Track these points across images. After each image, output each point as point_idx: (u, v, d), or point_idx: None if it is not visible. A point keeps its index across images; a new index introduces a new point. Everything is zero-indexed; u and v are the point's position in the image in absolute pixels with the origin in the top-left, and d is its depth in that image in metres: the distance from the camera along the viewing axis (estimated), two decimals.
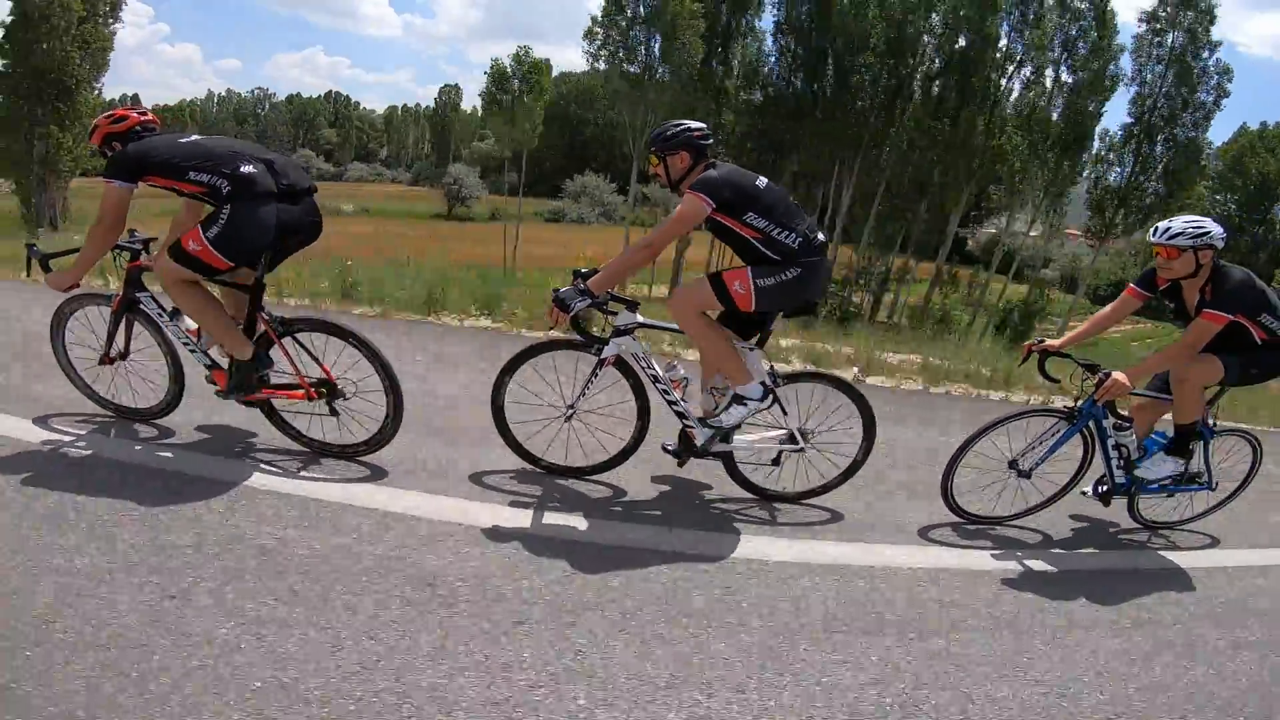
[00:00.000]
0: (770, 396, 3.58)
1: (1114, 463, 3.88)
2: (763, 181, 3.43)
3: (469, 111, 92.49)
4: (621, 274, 3.45)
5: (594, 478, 3.71)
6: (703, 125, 3.48)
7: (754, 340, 3.60)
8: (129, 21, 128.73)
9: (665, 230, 3.40)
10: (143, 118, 3.32)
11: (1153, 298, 3.85)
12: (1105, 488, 3.91)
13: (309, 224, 3.36)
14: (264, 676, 2.13)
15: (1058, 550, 3.75)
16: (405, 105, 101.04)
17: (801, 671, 2.50)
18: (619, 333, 3.51)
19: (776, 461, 3.75)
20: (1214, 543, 4.12)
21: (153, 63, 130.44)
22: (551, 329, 3.42)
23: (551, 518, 3.32)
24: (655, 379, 3.57)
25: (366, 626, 2.39)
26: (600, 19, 32.80)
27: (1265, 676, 2.89)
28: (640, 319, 3.53)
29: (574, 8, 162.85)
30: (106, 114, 3.28)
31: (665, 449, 3.64)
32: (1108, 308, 3.99)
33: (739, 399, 3.54)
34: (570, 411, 3.59)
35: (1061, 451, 3.81)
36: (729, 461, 3.75)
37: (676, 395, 3.58)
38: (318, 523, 2.96)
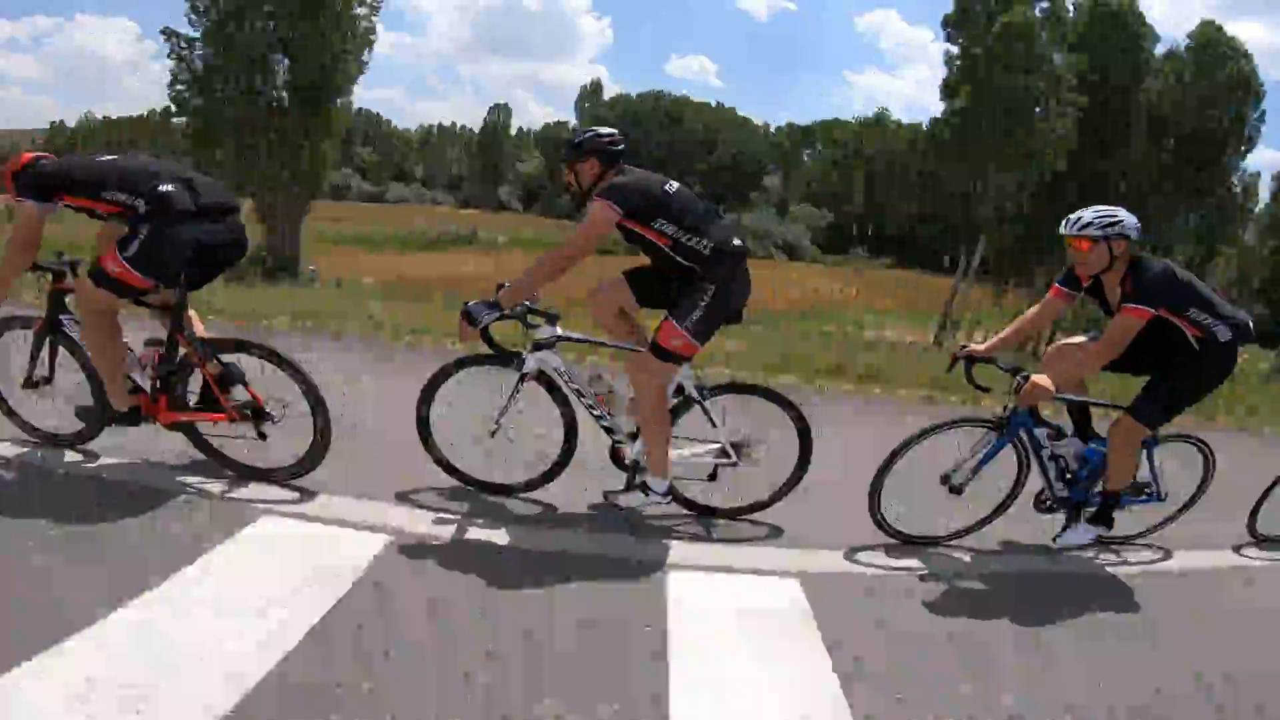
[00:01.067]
0: (670, 497, 3.63)
1: (1052, 475, 3.76)
2: (672, 186, 3.43)
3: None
4: (530, 287, 3.43)
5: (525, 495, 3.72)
6: (613, 131, 3.51)
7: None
8: (114, 39, 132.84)
9: (574, 240, 3.39)
10: (39, 155, 3.35)
11: (1078, 297, 3.77)
12: (1046, 504, 3.83)
13: (231, 242, 3.45)
14: None
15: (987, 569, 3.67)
16: (442, 124, 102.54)
17: None
18: (538, 347, 3.52)
19: (713, 476, 3.74)
20: (1166, 555, 3.98)
21: (141, 80, 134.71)
22: (461, 344, 3.50)
23: (476, 530, 3.38)
24: (579, 393, 3.59)
25: None
26: None
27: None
28: (560, 332, 3.55)
29: (563, 26, 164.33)
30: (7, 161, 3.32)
31: (606, 498, 3.66)
32: (1033, 309, 3.94)
33: (644, 486, 3.60)
34: (495, 428, 3.61)
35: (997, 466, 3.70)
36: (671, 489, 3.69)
37: (602, 410, 3.61)
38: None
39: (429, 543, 3.24)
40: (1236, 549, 4.19)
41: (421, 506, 3.53)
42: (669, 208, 3.34)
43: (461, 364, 3.66)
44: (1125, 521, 3.97)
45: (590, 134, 3.49)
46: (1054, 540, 3.80)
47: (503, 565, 3.13)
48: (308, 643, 2.42)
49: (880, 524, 3.69)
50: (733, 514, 3.78)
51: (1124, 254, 3.49)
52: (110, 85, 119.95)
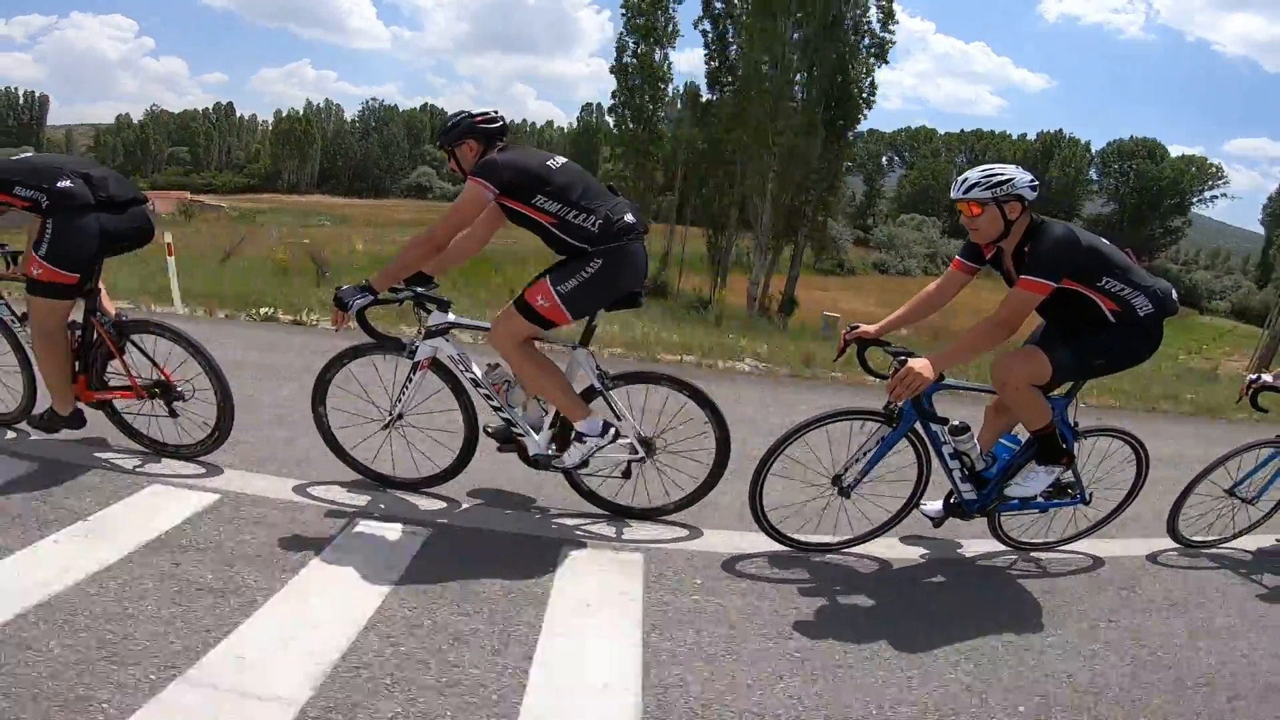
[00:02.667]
0: (613, 432, 3.52)
1: (956, 475, 3.53)
2: (557, 162, 3.39)
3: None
4: (400, 270, 3.41)
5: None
6: (487, 110, 3.48)
7: (579, 339, 3.56)
8: (113, 36, 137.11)
9: (445, 220, 3.35)
10: None
11: (981, 269, 3.48)
12: (953, 503, 3.61)
13: (134, 230, 3.67)
14: None
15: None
16: (510, 121, 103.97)
17: None
18: (431, 334, 3.54)
19: (627, 474, 3.67)
20: (1096, 564, 3.79)
21: (138, 77, 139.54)
22: (336, 330, 3.59)
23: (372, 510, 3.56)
24: (475, 382, 3.60)
25: None
26: None
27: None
28: (452, 318, 3.56)
29: (562, 21, 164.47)
30: None
31: (543, 466, 3.62)
32: (932, 284, 3.61)
33: (578, 436, 3.51)
34: (390, 419, 3.68)
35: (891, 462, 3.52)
36: (570, 475, 3.69)
37: (500, 399, 3.59)
38: None
39: (323, 519, 3.44)
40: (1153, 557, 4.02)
41: (317, 486, 3.73)
42: (550, 183, 3.29)
43: (356, 352, 3.66)
44: (1045, 527, 3.84)
45: (463, 115, 3.48)
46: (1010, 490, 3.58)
47: (399, 540, 3.32)
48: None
49: (765, 527, 3.55)
50: (649, 515, 3.73)
51: (1021, 219, 3.22)
52: (109, 83, 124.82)
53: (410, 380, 3.63)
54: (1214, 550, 4.18)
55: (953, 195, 3.25)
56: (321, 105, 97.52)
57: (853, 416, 3.50)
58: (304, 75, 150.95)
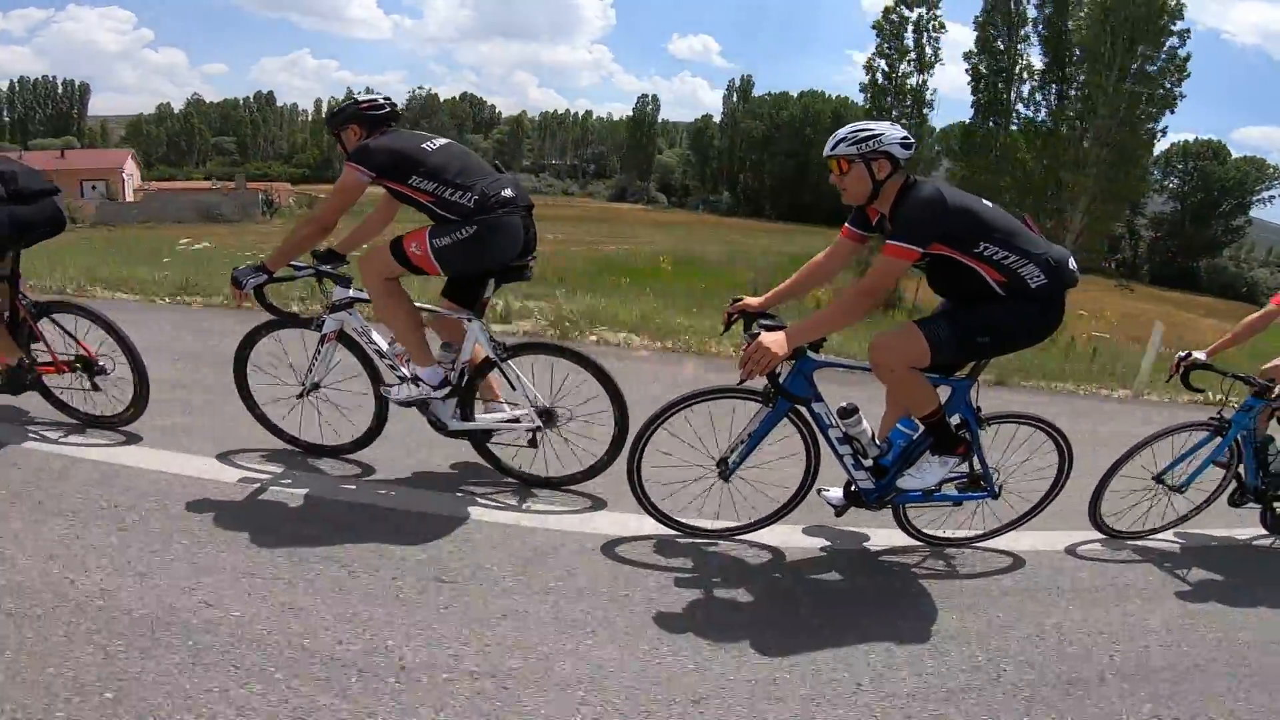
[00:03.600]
0: (448, 388, 3.73)
1: (848, 461, 3.46)
2: (435, 144, 3.56)
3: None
4: (291, 250, 3.60)
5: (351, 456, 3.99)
6: (375, 96, 3.67)
7: (473, 310, 3.72)
8: (111, 28, 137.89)
9: (327, 203, 3.59)
10: None
11: (871, 237, 3.37)
12: (852, 490, 3.54)
13: (47, 220, 3.81)
14: None
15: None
16: (548, 111, 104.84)
17: None
18: (335, 308, 3.74)
19: (534, 443, 3.84)
20: (1017, 565, 3.72)
21: (138, 69, 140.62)
22: (237, 307, 3.79)
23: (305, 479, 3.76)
24: (379, 353, 3.81)
25: None
26: None
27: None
28: (353, 293, 3.75)
29: (564, 8, 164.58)
30: None
31: (383, 394, 3.79)
32: (821, 254, 3.52)
33: (414, 378, 3.71)
34: (304, 389, 3.88)
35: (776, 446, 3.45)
36: (475, 441, 3.89)
37: (404, 370, 3.76)
38: None
39: (236, 493, 3.60)
40: (1072, 550, 3.98)
41: (237, 458, 3.90)
42: (424, 164, 3.47)
43: (270, 326, 3.90)
44: (965, 519, 3.82)
45: (349, 101, 3.69)
46: (901, 482, 3.51)
47: (303, 515, 3.48)
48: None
49: (647, 507, 3.55)
50: (557, 483, 3.87)
51: (893, 179, 3.10)
52: (109, 76, 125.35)
53: (319, 352, 3.83)
54: (1142, 543, 4.14)
55: (824, 153, 3.17)
56: (363, 94, 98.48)
57: (729, 395, 3.43)
58: (305, 65, 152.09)
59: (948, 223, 3.04)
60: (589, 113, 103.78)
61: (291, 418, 3.99)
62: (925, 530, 3.80)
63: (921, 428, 3.47)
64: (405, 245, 3.52)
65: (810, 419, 3.43)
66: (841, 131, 3.15)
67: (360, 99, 3.68)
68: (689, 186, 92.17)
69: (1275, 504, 4.31)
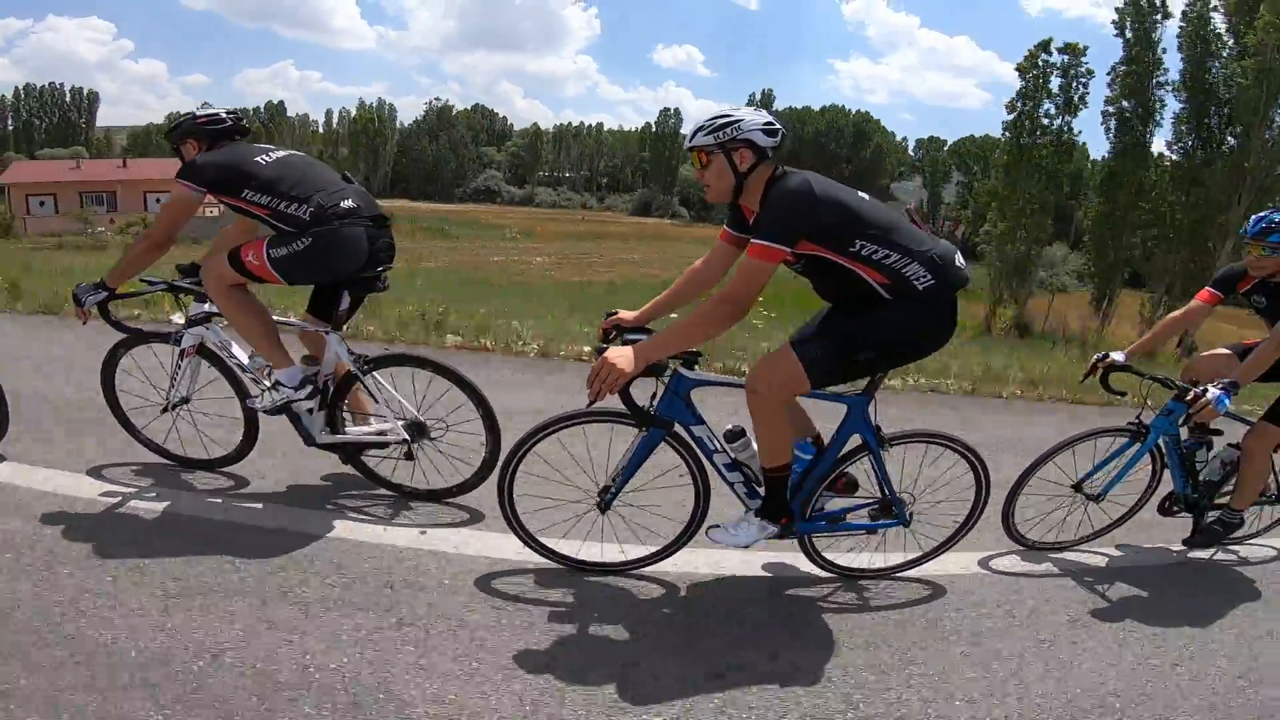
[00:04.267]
0: (311, 388, 3.60)
1: (740, 489, 3.21)
2: (271, 157, 3.51)
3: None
4: (129, 268, 3.57)
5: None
6: (214, 111, 3.65)
7: (331, 323, 3.65)
8: (90, 38, 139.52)
9: (160, 220, 3.55)
10: None
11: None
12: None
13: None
14: None
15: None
16: (569, 124, 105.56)
17: None
18: (191, 323, 3.69)
19: (410, 455, 3.74)
20: (936, 596, 3.44)
21: (117, 80, 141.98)
22: (83, 324, 3.69)
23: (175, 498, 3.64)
24: (241, 367, 3.74)
25: None
26: None
27: None
28: (208, 308, 3.68)
29: (549, 18, 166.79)
30: None
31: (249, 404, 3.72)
32: (700, 261, 3.30)
33: (275, 384, 3.62)
34: (168, 403, 3.82)
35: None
36: (346, 454, 3.80)
37: (266, 382, 3.69)
38: None
39: (91, 510, 3.48)
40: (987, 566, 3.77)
41: (102, 475, 3.78)
42: (257, 177, 3.44)
43: (127, 344, 3.86)
44: (870, 554, 3.55)
45: (187, 115, 3.65)
46: (709, 532, 3.24)
47: (152, 530, 3.37)
48: None
49: (520, 533, 3.33)
50: (435, 496, 3.79)
51: (759, 172, 2.85)
52: (89, 86, 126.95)
53: (179, 367, 3.77)
54: (1064, 560, 3.93)
55: (685, 146, 2.93)
56: (375, 104, 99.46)
57: (602, 419, 3.16)
58: (288, 76, 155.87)
59: (817, 217, 2.75)
60: (601, 125, 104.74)
61: (171, 432, 3.92)
62: (836, 561, 3.53)
63: (816, 450, 3.25)
64: (242, 255, 3.47)
65: (693, 442, 3.18)
66: (701, 120, 2.89)
67: (198, 113, 3.62)
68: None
69: (1205, 516, 4.12)
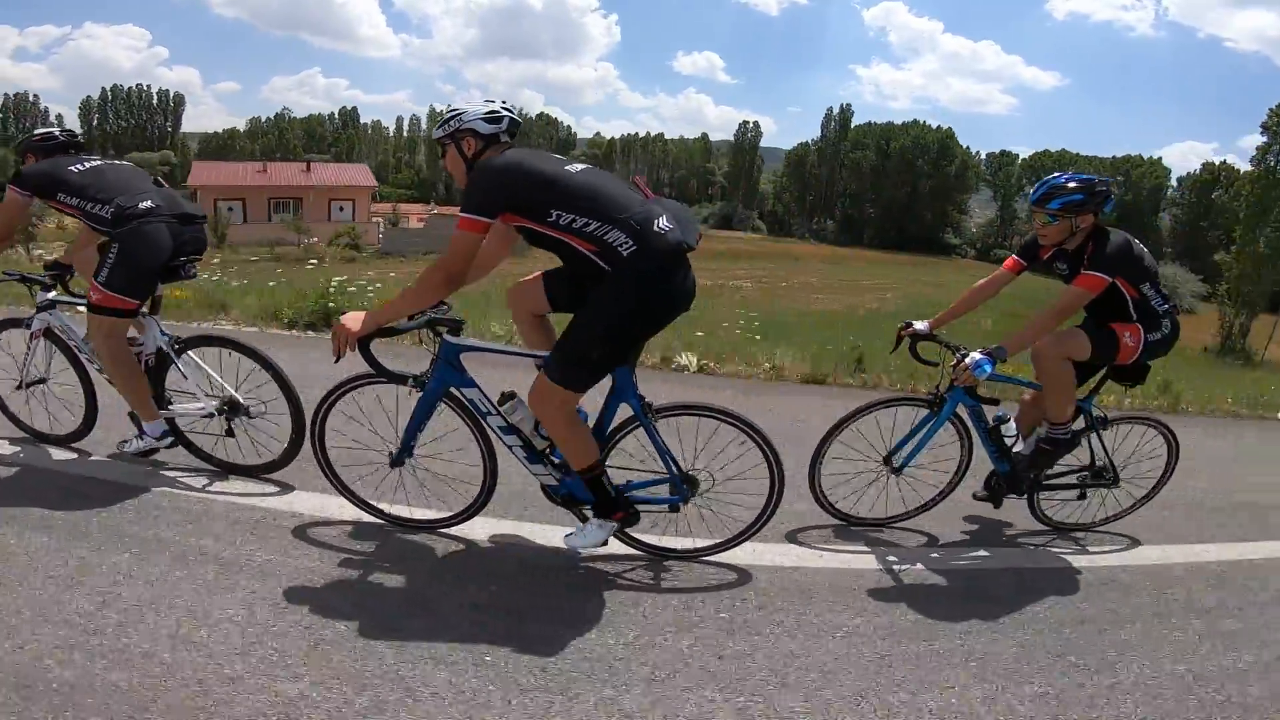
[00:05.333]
0: (172, 439, 3.98)
1: (520, 454, 3.36)
2: (83, 166, 3.86)
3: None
4: None
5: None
6: (49, 130, 4.07)
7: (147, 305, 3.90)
8: (126, 46, 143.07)
9: None
10: None
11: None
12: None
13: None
14: None
15: None
16: (635, 134, 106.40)
17: None
18: (39, 309, 4.08)
19: (230, 433, 3.97)
20: (737, 578, 3.44)
21: (153, 87, 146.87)
22: None
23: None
24: (78, 348, 4.09)
25: None
26: None
27: None
28: (52, 296, 4.09)
29: (569, 26, 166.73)
30: None
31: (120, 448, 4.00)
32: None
33: (140, 434, 3.96)
34: (21, 382, 4.20)
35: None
36: (173, 430, 4.03)
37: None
38: None
39: None
40: (793, 535, 3.85)
41: None
42: (68, 183, 3.81)
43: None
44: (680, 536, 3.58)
45: (29, 134, 4.08)
46: (564, 540, 3.42)
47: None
48: None
49: (337, 483, 3.67)
50: (254, 471, 3.99)
51: (487, 155, 3.07)
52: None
53: (29, 349, 4.16)
54: (886, 545, 3.96)
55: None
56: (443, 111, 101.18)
57: (374, 381, 3.41)
58: (315, 83, 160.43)
59: (511, 190, 2.94)
60: (661, 134, 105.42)
61: (32, 409, 4.29)
62: (644, 540, 3.59)
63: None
64: (96, 302, 3.71)
65: (468, 404, 3.37)
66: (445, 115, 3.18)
67: (36, 131, 4.10)
68: (778, 213, 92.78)
69: (1037, 495, 4.15)
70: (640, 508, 3.45)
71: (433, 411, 3.39)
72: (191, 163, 58.71)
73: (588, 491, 3.31)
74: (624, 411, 3.37)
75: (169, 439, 3.98)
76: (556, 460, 3.38)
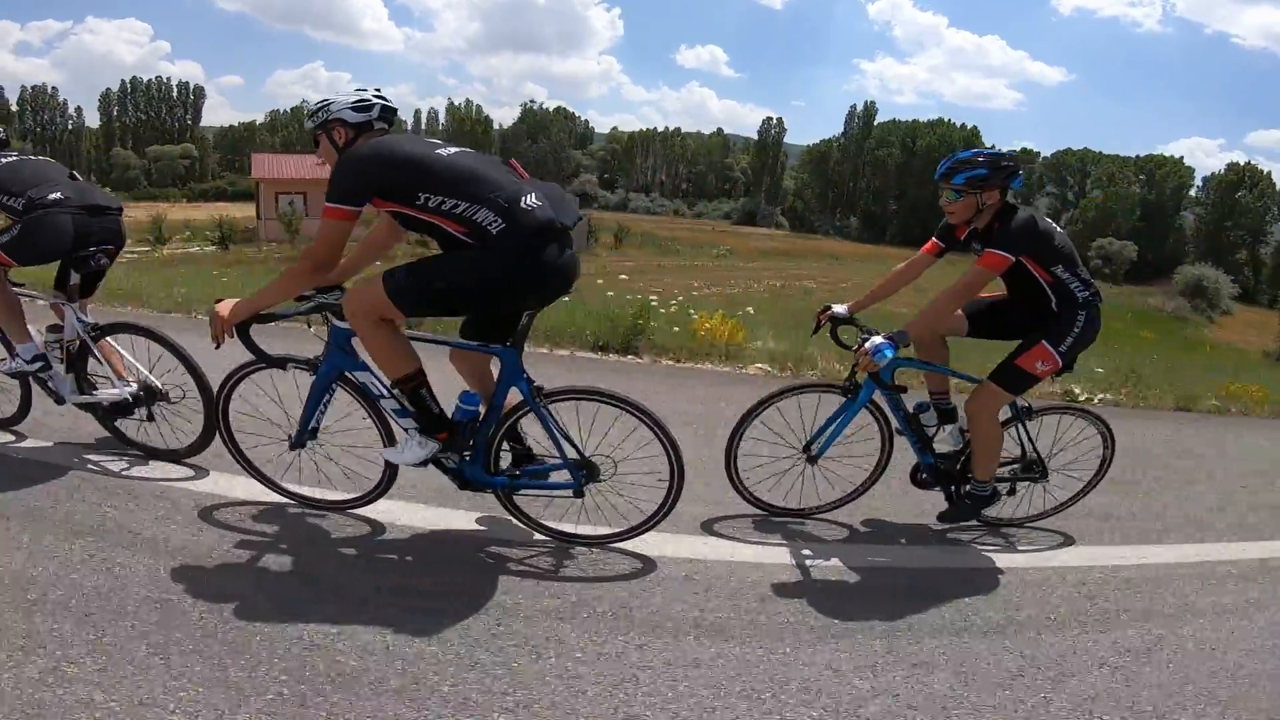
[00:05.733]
0: (42, 364, 4.00)
1: (414, 434, 3.37)
2: (3, 160, 3.91)
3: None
4: None
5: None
6: None
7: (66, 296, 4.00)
8: (129, 40, 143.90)
9: None
10: None
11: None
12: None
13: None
14: None
15: None
16: (652, 129, 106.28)
17: None
18: None
19: (150, 417, 4.05)
20: (641, 568, 3.43)
21: (174, 79, 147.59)
22: None
23: None
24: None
25: None
26: None
27: None
28: None
29: (574, 21, 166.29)
30: None
31: None
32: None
33: (16, 355, 4.03)
34: None
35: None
36: (97, 416, 4.14)
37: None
38: None
39: None
40: (711, 524, 3.86)
41: None
42: None
43: None
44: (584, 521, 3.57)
45: None
46: (384, 454, 3.50)
47: None
48: None
49: (241, 461, 3.75)
50: (171, 456, 4.03)
51: (346, 141, 3.15)
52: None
53: None
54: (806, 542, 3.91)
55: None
56: (462, 105, 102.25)
57: (269, 366, 3.48)
58: (317, 77, 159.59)
59: (375, 176, 3.00)
60: (678, 129, 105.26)
61: None
62: (550, 524, 3.60)
63: (476, 402, 3.38)
64: None
65: (361, 389, 3.43)
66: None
67: None
68: (798, 209, 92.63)
69: (959, 488, 4.05)
70: (539, 493, 3.50)
71: (326, 395, 3.45)
72: (251, 156, 58.32)
73: (408, 407, 3.31)
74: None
75: (39, 363, 4.03)
76: (407, 418, 3.39)
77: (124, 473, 3.89)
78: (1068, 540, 4.22)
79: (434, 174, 2.99)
